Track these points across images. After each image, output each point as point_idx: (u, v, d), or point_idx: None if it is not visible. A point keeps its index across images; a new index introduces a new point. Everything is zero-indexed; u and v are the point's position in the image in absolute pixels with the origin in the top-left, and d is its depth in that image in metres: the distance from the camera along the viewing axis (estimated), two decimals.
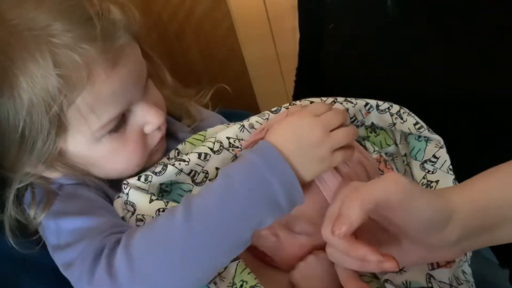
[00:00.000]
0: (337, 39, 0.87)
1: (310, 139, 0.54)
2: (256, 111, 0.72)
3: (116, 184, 0.62)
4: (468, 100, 0.74)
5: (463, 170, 0.68)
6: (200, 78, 1.34)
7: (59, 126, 0.54)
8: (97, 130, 0.56)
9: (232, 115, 0.77)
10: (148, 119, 0.60)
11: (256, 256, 0.60)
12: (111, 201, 0.61)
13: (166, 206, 0.58)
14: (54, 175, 0.60)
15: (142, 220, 0.57)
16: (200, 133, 0.67)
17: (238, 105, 0.95)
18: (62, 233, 0.56)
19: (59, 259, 0.56)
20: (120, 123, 0.58)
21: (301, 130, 0.54)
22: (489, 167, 0.75)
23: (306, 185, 0.58)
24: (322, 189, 0.58)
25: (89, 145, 0.58)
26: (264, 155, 0.52)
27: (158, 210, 0.57)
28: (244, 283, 0.54)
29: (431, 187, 0.68)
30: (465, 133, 0.75)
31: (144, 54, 0.62)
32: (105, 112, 0.56)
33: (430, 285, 0.58)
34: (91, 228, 0.54)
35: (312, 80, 0.98)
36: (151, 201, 0.58)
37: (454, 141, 0.69)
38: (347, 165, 0.60)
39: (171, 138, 0.69)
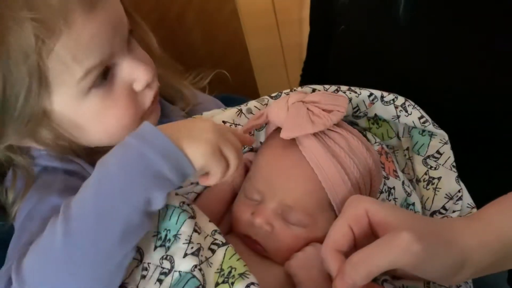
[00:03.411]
0: (346, 41, 0.87)
1: (196, 125, 0.51)
2: None
3: None
4: (474, 101, 0.74)
5: (467, 167, 0.67)
6: (201, 61, 1.32)
7: (40, 77, 0.52)
8: (80, 79, 0.54)
9: (230, 101, 0.75)
10: (136, 75, 0.58)
11: (247, 245, 0.59)
12: None
13: None
14: (38, 146, 0.57)
15: None
16: (195, 116, 0.65)
17: (238, 93, 0.93)
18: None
19: None
20: (105, 75, 0.56)
21: (190, 123, 0.52)
22: (492, 167, 0.76)
23: (303, 175, 0.57)
24: (321, 179, 0.57)
25: (75, 102, 0.55)
26: (138, 132, 0.49)
27: None
28: (233, 270, 0.52)
29: (433, 183, 0.67)
30: (469, 131, 0.73)
31: (128, 15, 0.60)
32: (87, 58, 0.53)
33: None
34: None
35: (319, 77, 0.98)
36: None
37: (459, 138, 0.68)
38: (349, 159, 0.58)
39: (164, 121, 0.67)
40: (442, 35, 0.74)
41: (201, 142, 0.50)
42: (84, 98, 0.55)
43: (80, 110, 0.56)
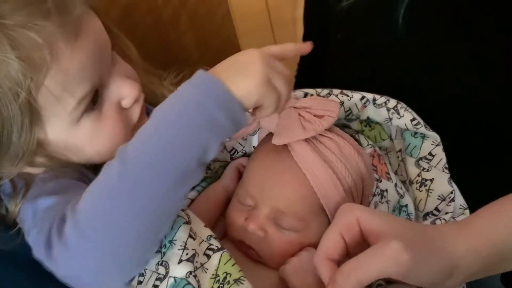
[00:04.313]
0: (344, 47, 0.87)
1: (244, 59, 0.52)
2: None
3: (98, 171, 0.60)
4: (466, 105, 0.74)
5: (459, 169, 0.68)
6: (195, 65, 1.32)
7: (32, 112, 0.52)
8: (73, 109, 0.54)
9: None
10: (124, 92, 0.58)
11: (241, 250, 0.59)
12: None
13: None
14: (34, 171, 0.57)
15: None
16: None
17: None
18: (37, 213, 0.54)
19: (31, 239, 0.53)
20: (94, 99, 0.56)
21: (238, 57, 0.52)
22: (484, 168, 0.77)
23: (295, 180, 0.58)
24: (313, 184, 0.57)
25: (69, 130, 0.55)
26: (193, 80, 0.50)
27: None
28: (228, 276, 0.53)
29: (425, 185, 0.67)
30: (462, 133, 0.74)
31: (106, 29, 0.59)
32: (77, 88, 0.53)
33: None
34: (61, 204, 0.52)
35: (314, 79, 0.98)
36: None
37: (451, 140, 0.68)
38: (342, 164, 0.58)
39: None
40: (439, 45, 0.74)
41: (252, 76, 0.50)
42: (77, 125, 0.55)
43: (73, 136, 0.56)
